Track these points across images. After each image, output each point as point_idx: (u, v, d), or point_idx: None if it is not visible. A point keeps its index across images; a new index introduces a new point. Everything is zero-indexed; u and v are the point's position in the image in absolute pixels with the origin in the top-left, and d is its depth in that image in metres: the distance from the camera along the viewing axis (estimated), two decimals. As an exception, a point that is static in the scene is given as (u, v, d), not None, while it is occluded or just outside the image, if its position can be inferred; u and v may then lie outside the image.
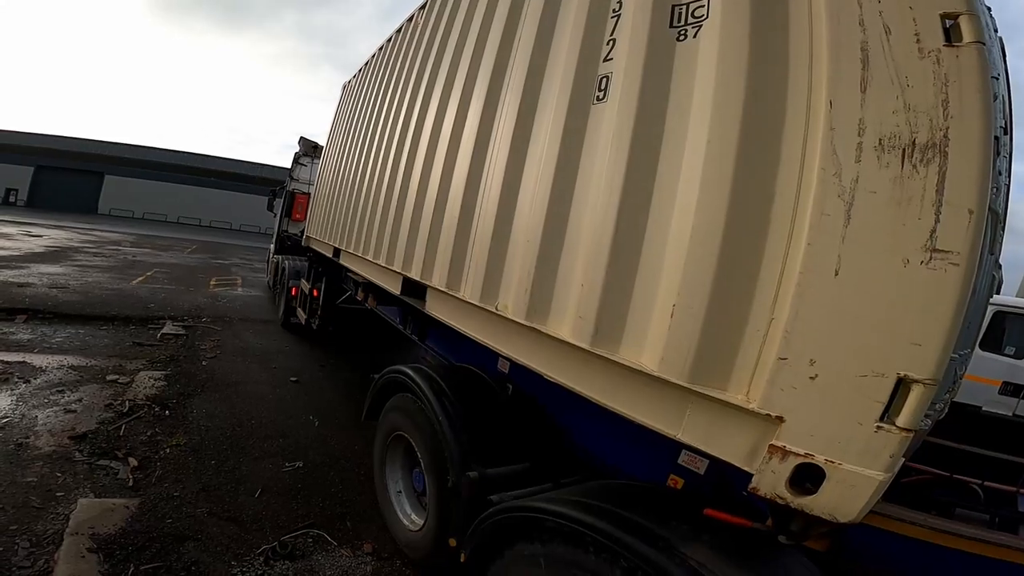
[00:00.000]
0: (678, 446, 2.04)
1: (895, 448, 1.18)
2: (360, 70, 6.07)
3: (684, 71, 1.76)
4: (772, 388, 1.37)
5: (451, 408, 2.69)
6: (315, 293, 7.28)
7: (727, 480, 1.49)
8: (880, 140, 1.24)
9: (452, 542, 2.48)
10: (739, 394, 1.47)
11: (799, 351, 1.32)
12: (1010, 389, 6.36)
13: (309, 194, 8.61)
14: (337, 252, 5.52)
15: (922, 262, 1.15)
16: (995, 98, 1.32)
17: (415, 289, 3.38)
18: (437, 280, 3.02)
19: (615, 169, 1.89)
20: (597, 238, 1.91)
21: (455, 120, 3.12)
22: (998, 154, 1.68)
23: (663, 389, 1.66)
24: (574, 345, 1.95)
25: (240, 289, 13.11)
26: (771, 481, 1.35)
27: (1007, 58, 2.84)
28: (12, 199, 37.81)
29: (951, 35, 1.18)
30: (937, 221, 1.14)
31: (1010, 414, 6.30)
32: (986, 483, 3.12)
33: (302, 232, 8.01)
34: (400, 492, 3.32)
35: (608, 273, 1.84)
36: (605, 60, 2.09)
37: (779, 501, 1.35)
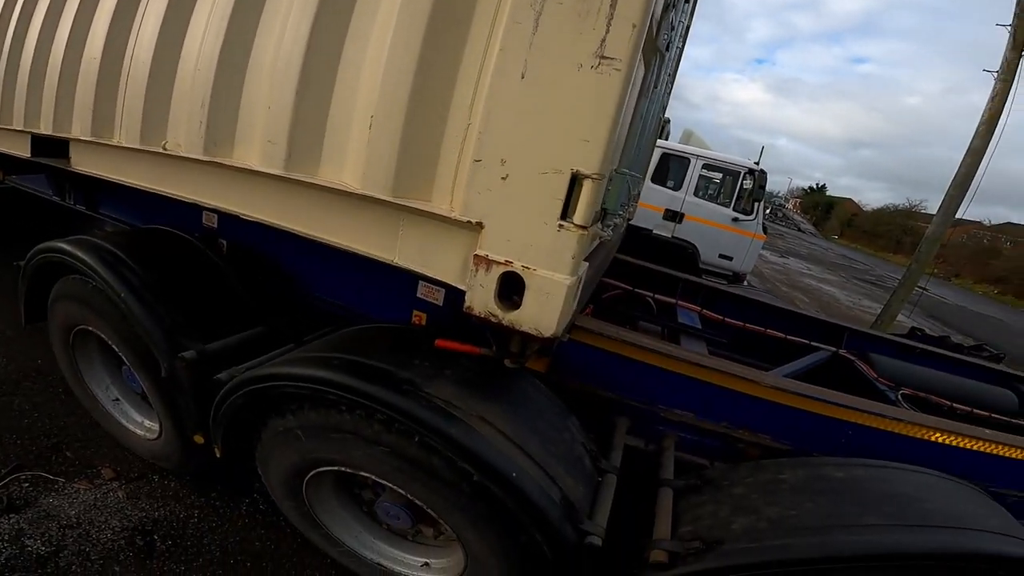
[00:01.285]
0: (415, 279, 2.03)
1: (575, 248, 1.33)
2: None
3: None
4: (471, 193, 1.40)
5: (136, 279, 2.14)
6: None
7: (460, 308, 1.48)
8: (573, -43, 1.24)
9: (199, 438, 2.14)
10: (443, 203, 1.48)
11: (492, 152, 1.36)
12: (670, 215, 8.34)
13: None
14: None
15: (592, 67, 1.26)
16: None
17: (53, 147, 2.59)
18: (79, 130, 2.35)
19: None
20: (287, 57, 1.64)
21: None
22: (675, 7, 1.90)
23: (372, 209, 1.58)
24: (269, 175, 1.71)
25: None
26: (482, 298, 1.41)
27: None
28: None
29: None
30: (607, 32, 1.24)
31: (670, 236, 8.33)
32: (656, 296, 3.66)
33: None
34: (117, 400, 2.71)
35: (300, 91, 1.61)
36: None
37: (492, 320, 1.41)
